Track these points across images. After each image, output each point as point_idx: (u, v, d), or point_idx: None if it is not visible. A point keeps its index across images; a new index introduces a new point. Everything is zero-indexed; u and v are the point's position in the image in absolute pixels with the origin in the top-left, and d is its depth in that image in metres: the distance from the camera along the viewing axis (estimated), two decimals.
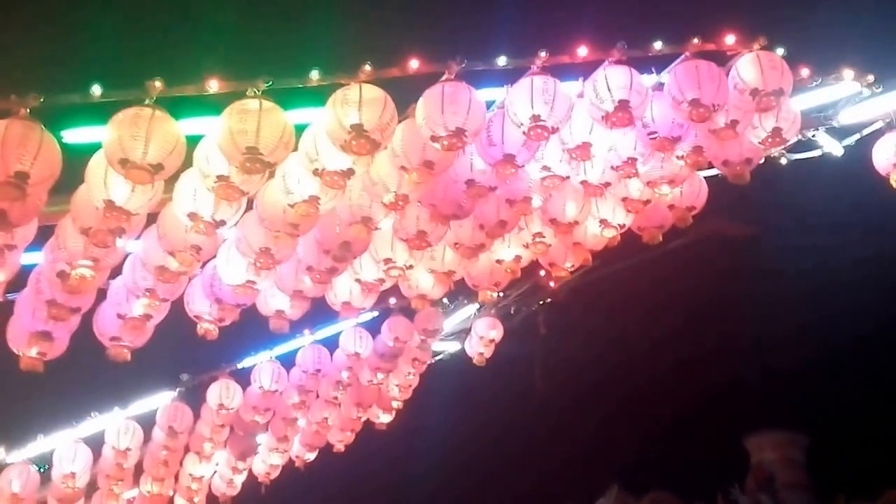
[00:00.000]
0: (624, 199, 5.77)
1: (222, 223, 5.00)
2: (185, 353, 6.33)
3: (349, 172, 4.85)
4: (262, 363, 7.31)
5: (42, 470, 7.14)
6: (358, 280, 5.90)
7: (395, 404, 7.99)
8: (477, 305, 7.49)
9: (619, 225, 5.93)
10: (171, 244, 5.12)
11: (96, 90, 4.54)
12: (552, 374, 9.05)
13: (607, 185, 5.53)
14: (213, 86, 4.64)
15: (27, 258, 5.45)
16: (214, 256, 5.60)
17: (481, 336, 7.57)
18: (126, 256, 5.47)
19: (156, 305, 5.60)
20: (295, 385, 7.35)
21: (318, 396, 7.62)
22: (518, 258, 6.09)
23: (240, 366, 7.35)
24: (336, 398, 7.58)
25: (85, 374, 6.73)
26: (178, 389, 7.35)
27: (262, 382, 7.27)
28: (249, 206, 5.24)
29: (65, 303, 5.40)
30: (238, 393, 7.28)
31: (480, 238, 5.74)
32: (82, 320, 5.66)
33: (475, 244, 5.77)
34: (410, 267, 5.81)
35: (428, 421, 10.03)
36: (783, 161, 6.28)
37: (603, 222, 5.88)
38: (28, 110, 4.44)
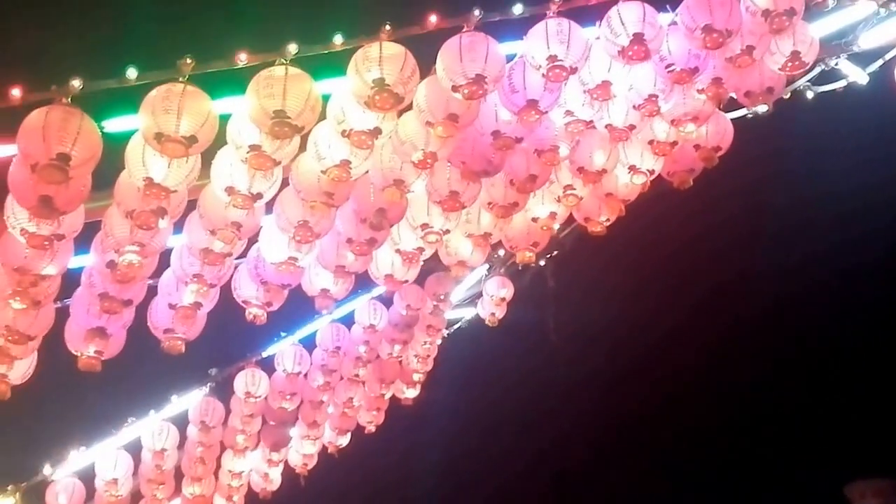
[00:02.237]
0: (651, 143, 5.85)
1: (259, 196, 5.14)
2: (213, 349, 6.43)
3: (376, 131, 4.99)
4: (284, 347, 7.40)
5: None
6: (398, 250, 6.02)
7: (416, 377, 8.03)
8: (486, 267, 7.46)
9: (648, 170, 6.00)
10: (211, 222, 5.27)
11: (132, 73, 4.72)
12: (565, 326, 9.03)
13: (632, 127, 5.60)
14: (243, 59, 4.81)
15: (77, 261, 5.70)
16: (257, 239, 5.78)
17: (492, 296, 7.60)
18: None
19: (204, 292, 5.75)
20: (318, 366, 7.43)
21: (342, 378, 7.68)
22: (553, 215, 6.17)
23: (264, 354, 7.45)
24: (358, 375, 7.64)
25: (119, 383, 6.90)
26: (207, 385, 7.45)
27: (285, 366, 7.36)
28: (286, 184, 5.42)
29: (117, 295, 5.56)
30: (264, 380, 7.37)
31: (513, 196, 5.83)
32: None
33: (509, 202, 5.86)
34: (447, 231, 5.90)
35: (452, 392, 9.99)
36: (809, 95, 6.34)
37: (632, 168, 5.95)
38: (69, 99, 4.63)
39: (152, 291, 5.95)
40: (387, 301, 7.35)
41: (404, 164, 5.31)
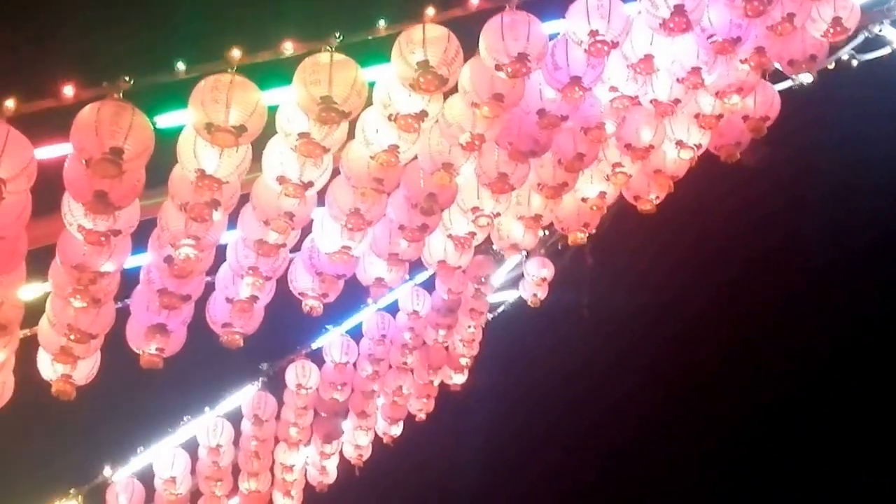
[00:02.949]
0: (696, 116, 5.85)
1: (310, 184, 5.20)
2: (263, 344, 6.50)
3: (422, 114, 5.03)
4: (331, 338, 7.47)
5: None
6: (450, 236, 6.06)
7: (463, 361, 8.06)
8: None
9: (695, 145, 6.00)
10: (264, 213, 5.35)
11: (181, 67, 4.81)
12: (607, 303, 8.99)
13: (677, 101, 5.60)
14: (288, 48, 4.88)
15: (136, 261, 5.81)
16: (310, 231, 5.85)
17: (533, 277, 7.61)
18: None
19: (260, 284, 5.82)
20: (365, 355, 7.49)
21: (391, 367, 7.74)
22: (603, 194, 6.19)
23: (314, 346, 7.52)
24: (406, 363, 7.69)
25: (172, 382, 7.00)
26: (259, 379, 7.53)
27: (333, 356, 7.43)
28: (338, 174, 5.49)
29: (175, 290, 5.65)
30: (314, 371, 7.44)
31: (562, 176, 5.86)
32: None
33: (558, 183, 5.88)
34: (498, 215, 5.94)
35: (499, 376, 9.98)
36: (854, 63, 6.29)
37: (679, 144, 5.96)
38: (121, 94, 4.73)
39: (209, 289, 6.07)
40: (430, 287, 7.38)
41: (452, 147, 5.35)
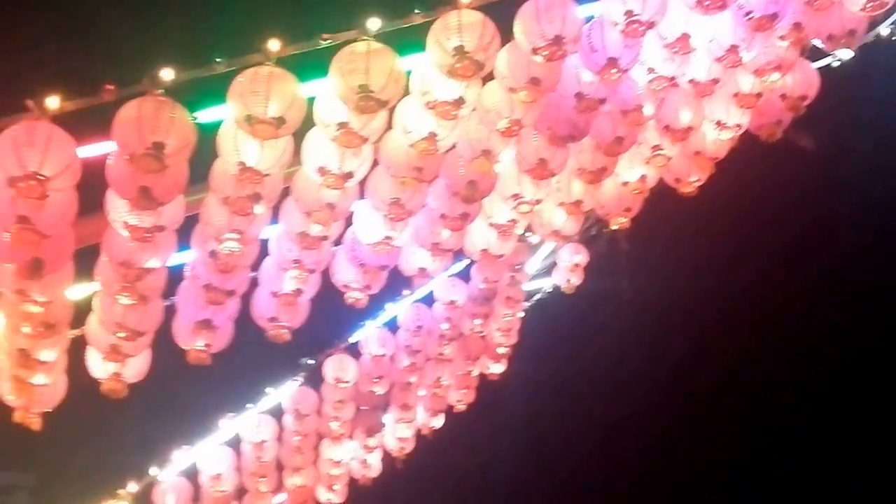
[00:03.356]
0: (735, 96, 5.79)
1: (350, 175, 5.22)
2: (302, 339, 6.53)
3: (460, 101, 5.03)
4: (368, 331, 7.48)
5: None
6: (492, 224, 6.06)
7: (501, 350, 8.03)
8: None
9: (735, 125, 5.95)
10: (306, 205, 5.39)
11: (219, 61, 4.87)
12: (644, 289, 8.92)
13: (715, 81, 5.55)
14: (325, 39, 4.91)
15: (181, 258, 5.86)
16: (351, 222, 5.88)
17: (566, 263, 7.58)
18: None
19: (304, 277, 5.87)
20: (403, 347, 7.49)
21: (429, 358, 7.74)
22: (643, 177, 6.17)
23: (351, 340, 7.53)
24: (444, 354, 7.68)
25: (214, 380, 7.07)
26: (300, 374, 7.58)
27: (370, 349, 7.44)
28: (377, 164, 5.51)
29: (220, 286, 5.71)
30: (352, 365, 7.46)
31: (602, 160, 5.84)
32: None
33: (597, 168, 5.86)
34: (539, 201, 5.93)
35: (537, 365, 9.92)
36: (895, 38, 6.22)
37: (719, 124, 5.91)
38: (161, 91, 4.77)
39: (254, 285, 6.11)
40: (465, 277, 7.37)
41: (491, 133, 5.34)
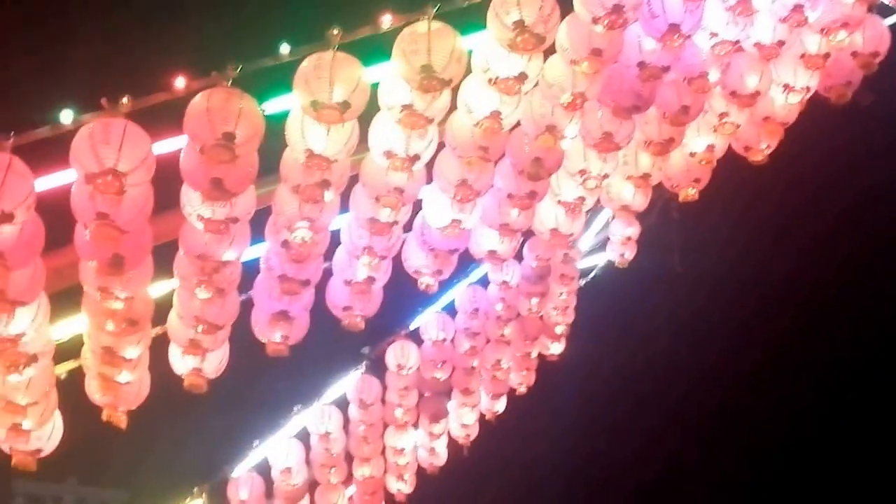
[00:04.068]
0: (802, 57, 5.72)
1: (417, 158, 5.26)
2: (363, 329, 6.57)
3: (522, 76, 5.03)
4: (427, 317, 7.51)
5: None
6: (560, 202, 6.05)
7: (559, 330, 7.99)
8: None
9: (803, 88, 5.87)
10: (374, 189, 5.44)
11: (285, 49, 4.94)
12: (694, 260, 8.79)
13: (781, 43, 5.48)
14: (387, 21, 4.96)
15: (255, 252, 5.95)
16: (420, 207, 5.92)
17: (618, 236, 7.50)
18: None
19: (376, 264, 5.91)
20: (461, 330, 7.50)
21: (488, 341, 7.72)
22: (711, 147, 6.11)
23: (412, 327, 7.57)
24: (503, 336, 7.66)
25: (280, 376, 7.16)
26: (363, 363, 7.62)
27: (430, 335, 7.48)
28: (443, 146, 5.53)
29: (294, 276, 5.78)
30: (413, 351, 7.49)
31: (668, 131, 5.80)
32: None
33: (664, 139, 5.83)
34: (606, 176, 5.91)
35: (597, 344, 9.89)
36: None
37: (786, 87, 5.84)
38: (229, 82, 4.87)
39: (328, 277, 6.18)
40: (518, 256, 7.24)
41: (555, 108, 5.34)
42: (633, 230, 7.48)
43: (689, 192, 6.30)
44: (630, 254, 7.59)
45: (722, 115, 5.90)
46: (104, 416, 6.06)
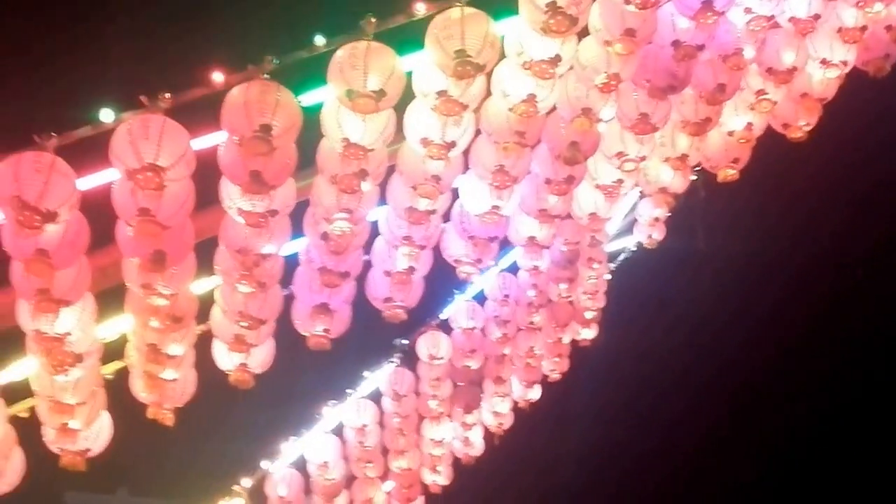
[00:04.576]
0: (839, 31, 5.67)
1: (453, 144, 5.25)
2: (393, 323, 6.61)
3: (556, 59, 5.02)
4: (457, 306, 7.49)
5: None
6: (598, 186, 6.04)
7: (589, 315, 7.99)
8: (639, 190, 7.15)
9: (841, 62, 5.82)
10: (411, 178, 5.45)
11: (320, 41, 4.97)
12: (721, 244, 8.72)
13: (817, 17, 5.45)
14: (421, 9, 4.97)
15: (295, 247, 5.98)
16: (458, 196, 5.92)
17: (646, 217, 7.42)
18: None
19: (415, 254, 5.92)
20: (492, 318, 7.48)
21: (519, 329, 7.71)
22: (749, 125, 6.07)
23: (442, 316, 7.56)
24: (533, 322, 7.64)
25: (316, 372, 7.16)
26: (395, 355, 7.66)
27: (460, 323, 7.46)
28: (479, 133, 5.54)
29: (334, 268, 5.80)
30: (444, 341, 7.48)
31: (705, 111, 5.77)
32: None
33: (701, 118, 5.80)
34: (643, 158, 5.89)
35: (628, 328, 9.85)
36: None
37: (823, 62, 5.79)
38: (265, 75, 4.89)
39: (367, 269, 6.20)
40: None
41: (590, 91, 5.33)
42: (661, 211, 7.37)
43: (728, 173, 6.27)
44: (658, 235, 7.53)
45: (759, 93, 5.87)
46: (149, 414, 6.13)
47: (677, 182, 6.30)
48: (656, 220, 7.44)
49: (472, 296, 7.54)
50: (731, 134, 6.09)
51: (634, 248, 7.99)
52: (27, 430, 5.88)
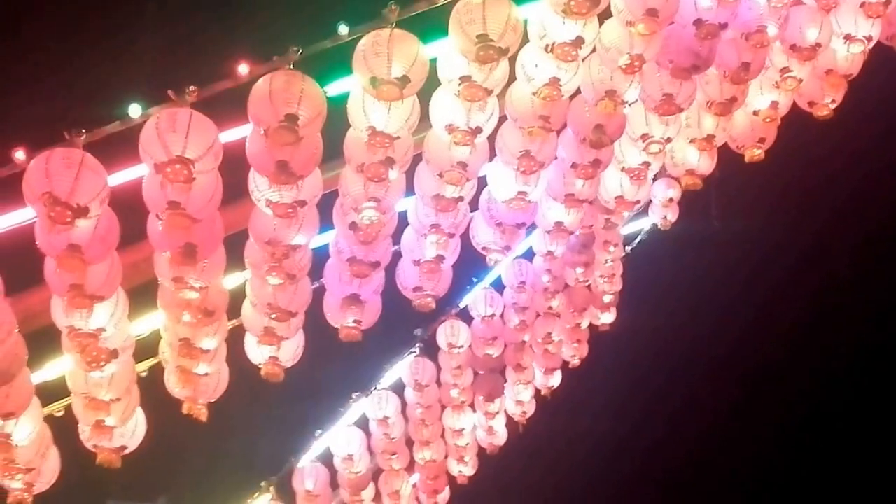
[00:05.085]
0: (862, 5, 5.65)
1: (479, 130, 5.26)
2: (414, 311, 6.61)
3: (579, 41, 5.03)
4: (475, 294, 7.52)
5: None
6: (624, 169, 6.03)
7: (607, 298, 7.99)
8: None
9: (865, 37, 5.79)
10: (438, 165, 5.46)
11: (343, 30, 5.00)
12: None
13: None
14: None
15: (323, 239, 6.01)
16: (485, 184, 5.94)
17: (660, 198, 7.37)
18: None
19: (444, 242, 5.93)
20: (510, 305, 7.50)
21: (538, 315, 7.72)
22: (774, 104, 6.04)
23: (461, 305, 7.58)
24: (551, 308, 7.66)
25: (338, 365, 7.17)
26: (416, 346, 7.68)
27: (478, 311, 7.49)
28: (504, 120, 5.54)
29: (364, 258, 5.82)
30: (463, 329, 7.50)
31: (730, 90, 5.76)
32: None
33: (726, 98, 5.78)
34: (669, 140, 5.88)
35: (644, 312, 9.80)
36: None
37: (847, 38, 5.76)
38: (290, 66, 4.92)
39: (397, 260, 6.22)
40: None
41: (613, 73, 5.33)
42: (675, 191, 7.31)
43: (755, 153, 6.25)
44: (673, 216, 7.50)
45: (783, 71, 5.85)
46: (184, 410, 6.15)
47: (704, 163, 6.28)
48: (670, 200, 7.39)
49: (491, 283, 7.57)
50: (756, 113, 6.07)
51: (649, 231, 7.98)
52: (69, 441, 5.94)
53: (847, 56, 5.88)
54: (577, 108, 5.55)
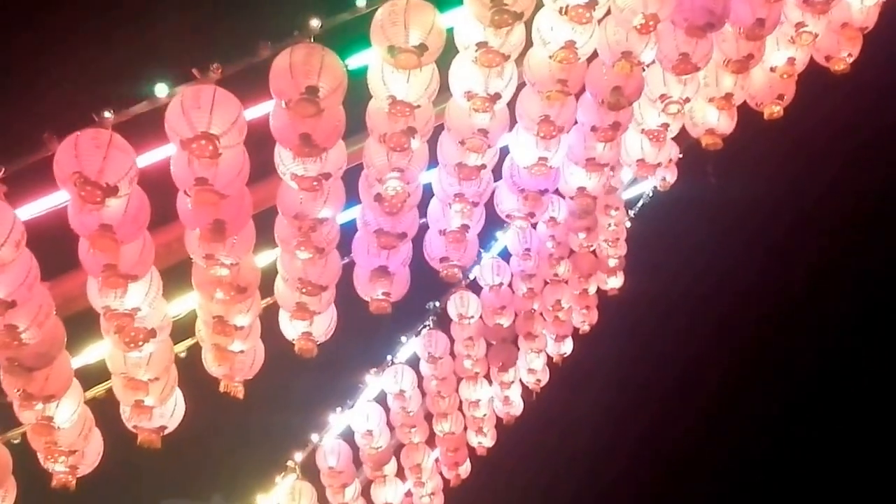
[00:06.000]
0: None
1: (497, 96, 5.33)
2: (425, 283, 6.66)
3: (592, 3, 5.05)
4: (483, 264, 7.56)
5: None
6: (643, 131, 6.08)
7: (612, 262, 8.04)
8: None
9: None
10: (459, 133, 5.53)
11: (361, 2, 5.08)
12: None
13: None
14: None
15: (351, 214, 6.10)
16: (507, 153, 6.00)
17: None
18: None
19: (468, 211, 6.01)
20: (517, 273, 7.55)
21: (546, 283, 7.77)
22: (791, 60, 6.06)
23: (471, 277, 7.62)
24: (558, 275, 7.71)
25: (355, 344, 7.25)
26: (430, 318, 7.75)
27: (486, 280, 7.54)
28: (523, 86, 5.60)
29: (391, 229, 5.90)
30: (472, 300, 7.55)
31: (746, 47, 5.77)
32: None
33: (743, 55, 5.80)
34: (688, 100, 5.91)
35: (653, 278, 9.87)
36: None
37: None
38: (311, 40, 5.02)
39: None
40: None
41: (629, 33, 5.37)
42: (674, 152, 7.24)
43: (774, 110, 6.26)
44: (672, 177, 7.51)
45: (798, 25, 5.86)
46: (222, 388, 6.26)
47: (724, 122, 6.29)
48: (669, 161, 7.30)
49: (497, 252, 7.62)
50: (773, 70, 6.09)
51: (651, 195, 8.01)
52: (122, 445, 6.08)
53: (861, 9, 5.89)
54: (595, 70, 5.60)
